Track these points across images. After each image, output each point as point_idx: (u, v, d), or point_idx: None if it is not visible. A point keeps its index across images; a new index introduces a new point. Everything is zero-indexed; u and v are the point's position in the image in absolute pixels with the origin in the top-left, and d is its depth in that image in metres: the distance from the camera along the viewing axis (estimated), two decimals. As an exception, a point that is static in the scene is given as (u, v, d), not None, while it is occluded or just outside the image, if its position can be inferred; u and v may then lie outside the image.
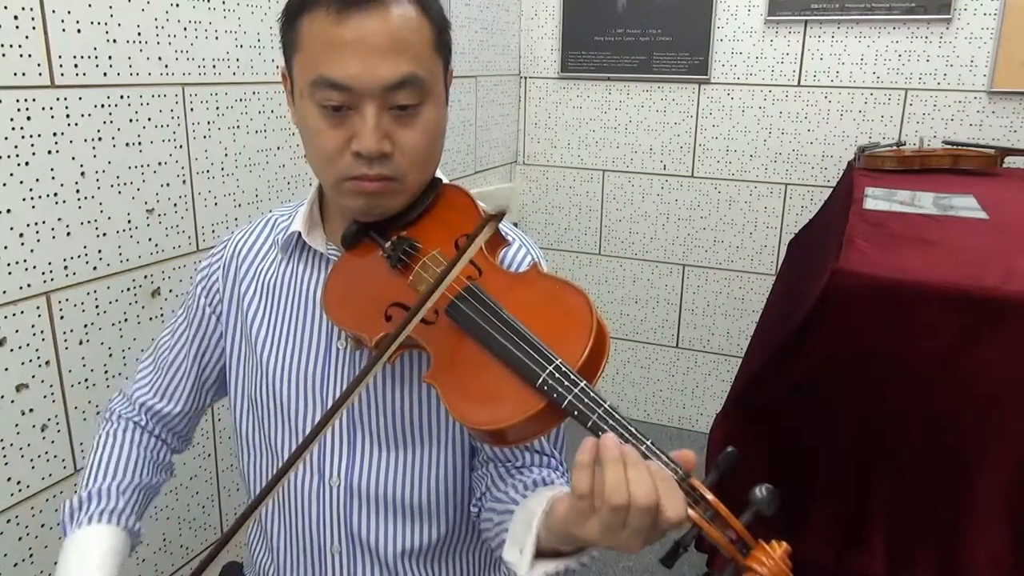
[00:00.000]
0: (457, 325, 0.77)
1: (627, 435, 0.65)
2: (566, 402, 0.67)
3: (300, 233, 0.94)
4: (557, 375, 0.68)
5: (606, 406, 0.66)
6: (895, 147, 2.26)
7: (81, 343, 1.29)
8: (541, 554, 0.76)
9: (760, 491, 0.63)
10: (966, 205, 1.66)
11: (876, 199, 1.71)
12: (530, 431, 0.71)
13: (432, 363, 0.77)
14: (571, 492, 0.67)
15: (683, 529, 0.64)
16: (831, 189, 2.43)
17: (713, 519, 0.63)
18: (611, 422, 0.66)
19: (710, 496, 0.64)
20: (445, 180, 0.93)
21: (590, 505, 0.65)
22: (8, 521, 1.21)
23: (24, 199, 1.17)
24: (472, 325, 0.75)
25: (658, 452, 0.66)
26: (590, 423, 0.67)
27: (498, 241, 0.88)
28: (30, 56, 1.15)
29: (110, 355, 1.35)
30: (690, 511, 0.63)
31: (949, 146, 2.24)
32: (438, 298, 0.76)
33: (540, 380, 0.68)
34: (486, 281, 0.79)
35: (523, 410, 0.69)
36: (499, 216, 0.79)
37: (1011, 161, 2.23)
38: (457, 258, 0.75)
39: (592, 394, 0.67)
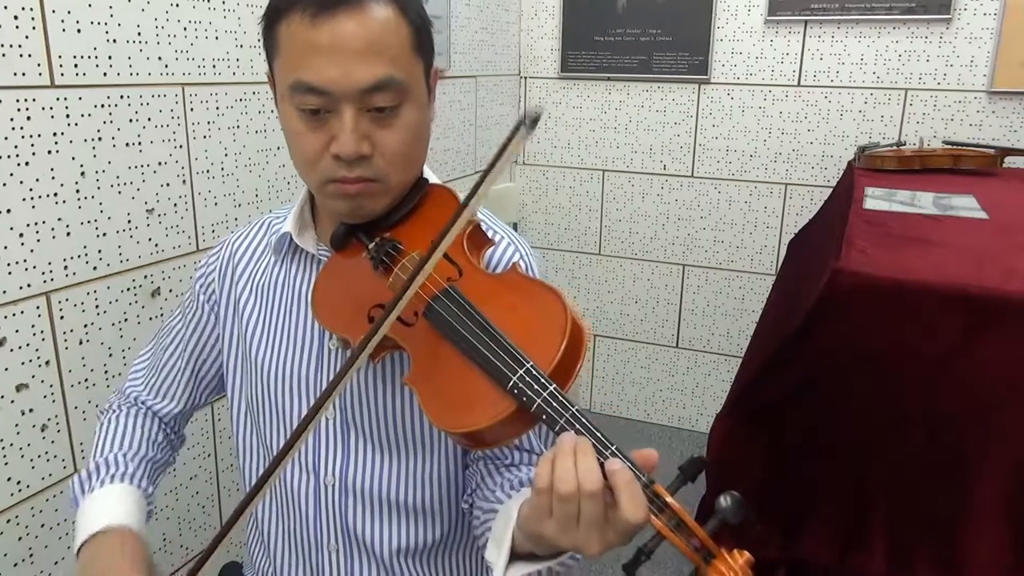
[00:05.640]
0: (434, 327, 0.76)
1: (593, 439, 0.65)
2: (535, 406, 0.67)
3: (291, 235, 0.95)
4: (527, 378, 0.67)
5: (573, 410, 0.66)
6: (895, 147, 2.26)
7: (81, 343, 1.29)
8: (519, 556, 0.76)
9: (725, 499, 0.63)
10: (966, 205, 1.66)
11: (876, 199, 1.71)
12: (503, 434, 0.71)
13: (412, 365, 0.77)
14: (532, 488, 0.67)
15: (646, 536, 0.64)
16: (831, 189, 2.43)
17: (677, 527, 0.63)
18: (578, 426, 0.66)
19: (673, 503, 0.63)
20: (434, 180, 0.93)
21: (548, 501, 0.65)
22: (8, 521, 1.21)
23: (24, 199, 1.17)
24: (447, 327, 0.75)
25: (622, 457, 0.65)
26: (558, 427, 0.67)
27: (482, 241, 0.87)
28: (30, 56, 1.15)
29: (110, 355, 1.35)
30: (653, 518, 0.63)
31: (949, 146, 2.24)
32: (414, 298, 0.75)
33: (511, 383, 0.68)
34: (465, 283, 0.78)
35: (494, 414, 0.69)
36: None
37: (1011, 161, 2.23)
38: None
39: (561, 398, 0.67)
